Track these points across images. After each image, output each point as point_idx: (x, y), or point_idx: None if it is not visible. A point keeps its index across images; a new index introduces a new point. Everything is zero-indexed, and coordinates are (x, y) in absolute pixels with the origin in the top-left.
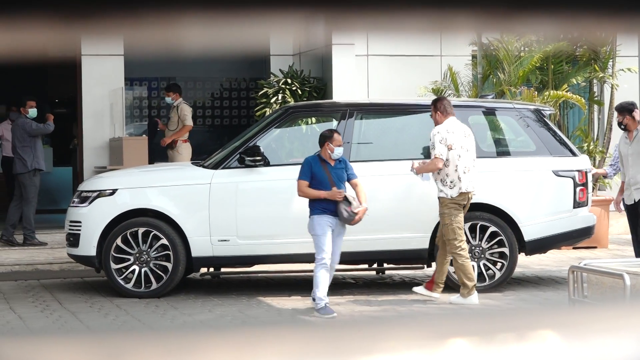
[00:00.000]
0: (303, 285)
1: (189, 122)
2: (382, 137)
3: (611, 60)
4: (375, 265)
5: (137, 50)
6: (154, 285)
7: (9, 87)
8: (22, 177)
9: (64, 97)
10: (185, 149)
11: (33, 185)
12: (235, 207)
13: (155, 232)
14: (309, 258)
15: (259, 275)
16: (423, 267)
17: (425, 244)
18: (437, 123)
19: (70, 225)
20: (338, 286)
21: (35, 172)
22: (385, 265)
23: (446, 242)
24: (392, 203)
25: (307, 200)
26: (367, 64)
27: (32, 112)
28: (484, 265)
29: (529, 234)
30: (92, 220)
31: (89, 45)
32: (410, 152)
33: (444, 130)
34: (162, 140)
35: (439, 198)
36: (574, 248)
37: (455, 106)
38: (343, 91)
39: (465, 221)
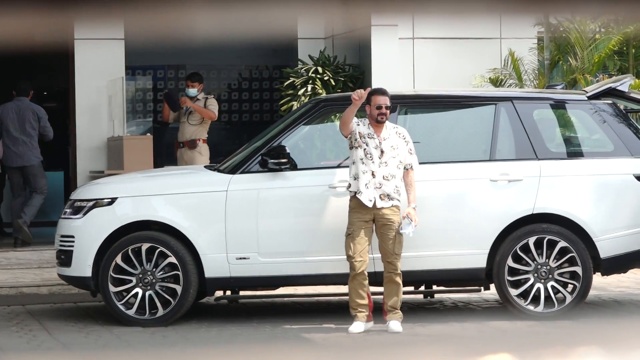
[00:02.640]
0: (336, 311)
1: (216, 114)
2: (431, 135)
3: None
4: (422, 288)
5: (140, 33)
6: (161, 312)
7: None
8: (33, 168)
9: (53, 89)
10: (206, 150)
11: (44, 176)
12: (256, 218)
13: (161, 248)
14: (343, 279)
15: (285, 299)
16: (480, 290)
17: (482, 263)
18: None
19: (61, 241)
20: (379, 311)
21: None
22: (434, 287)
23: (396, 257)
24: (443, 213)
25: (341, 211)
26: (412, 49)
27: None
28: (552, 287)
29: (605, 251)
30: (87, 234)
31: (83, 28)
32: (465, 153)
33: None
34: (183, 99)
35: (397, 207)
36: None
37: (518, 98)
38: (384, 81)
39: (530, 235)
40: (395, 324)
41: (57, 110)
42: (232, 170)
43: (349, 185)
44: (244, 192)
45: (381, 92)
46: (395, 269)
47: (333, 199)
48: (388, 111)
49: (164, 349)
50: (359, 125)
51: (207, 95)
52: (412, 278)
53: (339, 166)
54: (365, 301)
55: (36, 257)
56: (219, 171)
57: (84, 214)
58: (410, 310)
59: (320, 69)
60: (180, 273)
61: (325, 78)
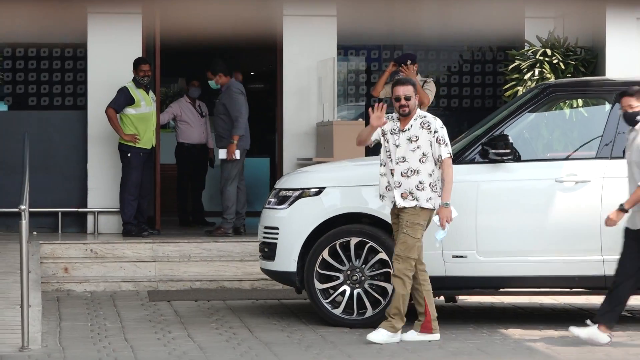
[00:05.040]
0: (561, 318)
1: (431, 99)
2: None
3: None
4: None
5: (354, 9)
6: (370, 312)
7: (188, 59)
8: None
9: (261, 69)
10: None
11: None
12: (475, 213)
13: (371, 243)
14: (570, 282)
15: (505, 302)
16: None
17: None
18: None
19: (264, 233)
20: (585, 319)
21: None
22: None
23: (401, 259)
24: None
25: (569, 208)
26: None
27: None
28: None
29: None
30: (293, 226)
31: (293, 2)
32: None
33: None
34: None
35: (422, 208)
36: None
37: None
38: (620, 65)
39: None
40: (376, 332)
41: (264, 92)
42: None
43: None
44: (462, 184)
45: (401, 82)
46: (393, 270)
47: (560, 194)
48: (410, 102)
49: (372, 353)
50: (385, 123)
51: (425, 78)
52: None
53: (567, 158)
54: (422, 308)
55: (239, 249)
56: None
57: (290, 204)
58: None
59: (548, 52)
60: (391, 270)
61: (555, 61)
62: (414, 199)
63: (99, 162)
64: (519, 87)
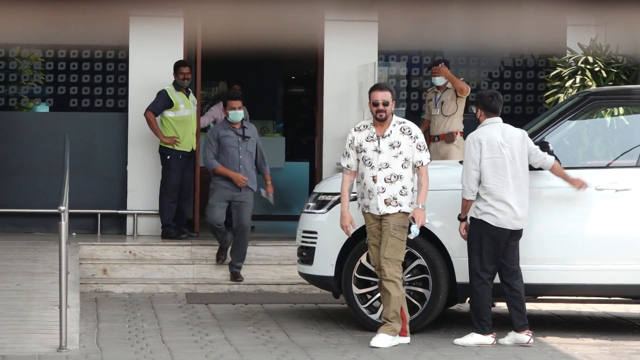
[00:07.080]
0: (599, 325)
1: (468, 88)
2: None
3: None
4: None
5: (395, 14)
6: (407, 318)
7: (230, 63)
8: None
9: (302, 74)
10: (463, 144)
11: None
12: None
13: (410, 249)
14: (609, 291)
15: (543, 309)
16: None
17: None
18: None
19: (303, 237)
20: (623, 328)
21: None
22: None
23: (385, 261)
24: None
25: (609, 216)
26: None
27: (233, 115)
28: None
29: None
30: (331, 231)
31: (335, 7)
32: None
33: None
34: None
35: (406, 213)
36: None
37: None
38: None
39: None
40: (378, 338)
41: (305, 96)
42: None
43: (358, 197)
44: None
45: (379, 87)
46: (384, 274)
47: (600, 202)
48: (387, 107)
49: (409, 358)
50: (358, 131)
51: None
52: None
53: (608, 166)
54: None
55: (277, 252)
56: None
57: (328, 209)
58: None
59: (590, 59)
60: (429, 277)
61: (596, 69)
62: (397, 205)
63: (139, 164)
64: (560, 95)
